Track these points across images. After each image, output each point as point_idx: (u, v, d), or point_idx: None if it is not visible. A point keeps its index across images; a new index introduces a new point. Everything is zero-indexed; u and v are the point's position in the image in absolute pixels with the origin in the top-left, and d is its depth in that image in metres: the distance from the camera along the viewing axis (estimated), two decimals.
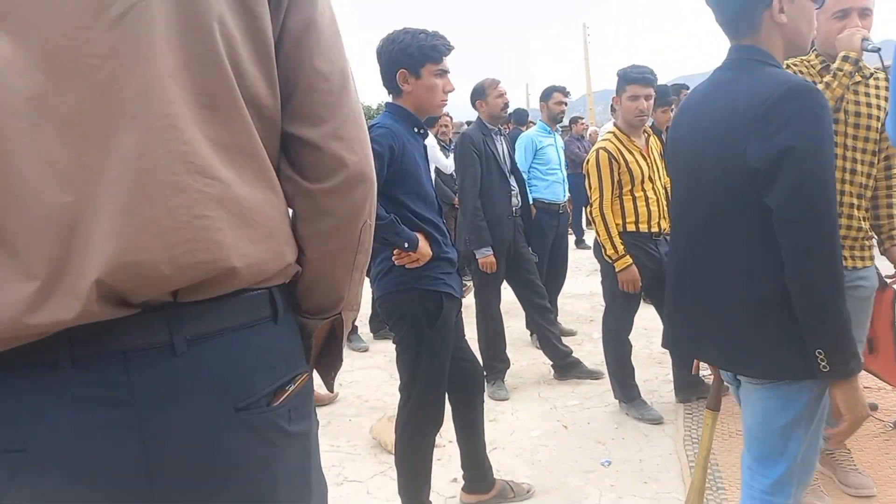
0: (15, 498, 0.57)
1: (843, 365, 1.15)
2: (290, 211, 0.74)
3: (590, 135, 8.48)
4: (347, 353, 4.43)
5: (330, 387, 0.87)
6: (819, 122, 1.15)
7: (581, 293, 5.46)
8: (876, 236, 2.06)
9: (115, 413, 0.59)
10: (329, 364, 0.86)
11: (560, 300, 4.48)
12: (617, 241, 2.82)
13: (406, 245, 1.87)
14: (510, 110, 4.23)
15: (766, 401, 1.29)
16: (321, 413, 3.41)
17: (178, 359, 0.61)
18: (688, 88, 5.87)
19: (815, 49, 1.96)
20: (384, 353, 4.25)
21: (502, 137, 3.53)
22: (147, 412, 0.59)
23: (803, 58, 1.99)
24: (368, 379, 3.88)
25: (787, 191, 1.14)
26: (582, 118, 8.52)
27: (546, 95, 4.17)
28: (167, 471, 0.61)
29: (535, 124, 4.55)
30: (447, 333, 2.00)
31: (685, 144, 1.40)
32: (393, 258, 1.94)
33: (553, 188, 4.11)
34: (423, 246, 1.92)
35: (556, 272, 4.20)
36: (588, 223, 8.07)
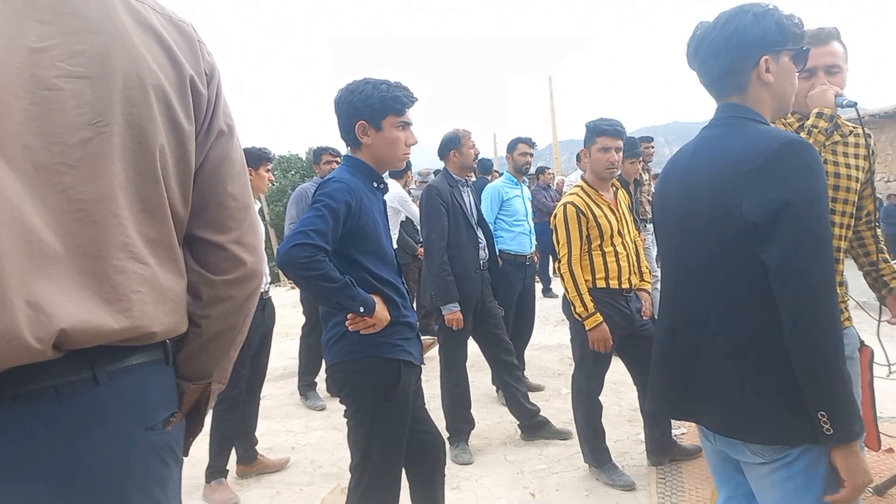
0: None
1: (847, 427, 1.11)
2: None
3: (556, 184, 8.53)
4: (304, 413, 4.18)
5: (185, 451, 0.95)
6: (816, 177, 1.15)
7: (548, 345, 5.33)
8: (871, 282, 2.02)
9: (49, 437, 0.71)
10: (191, 429, 0.97)
11: (527, 353, 4.35)
12: (587, 297, 2.71)
13: (361, 309, 1.72)
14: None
15: (783, 483, 1.20)
16: (271, 481, 3.15)
17: (100, 389, 0.75)
18: (652, 140, 5.96)
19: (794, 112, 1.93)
20: (341, 412, 4.01)
21: (469, 188, 3.44)
22: (77, 434, 0.72)
23: (781, 119, 1.96)
24: (324, 441, 3.63)
25: (786, 247, 1.12)
26: (549, 168, 8.59)
27: (511, 147, 4.14)
28: (92, 489, 0.73)
29: (500, 174, 4.49)
30: (405, 406, 1.84)
31: (675, 201, 1.37)
32: (346, 323, 1.78)
33: (519, 239, 4.03)
34: (381, 310, 1.77)
35: (523, 325, 4.08)
36: (555, 272, 8.04)
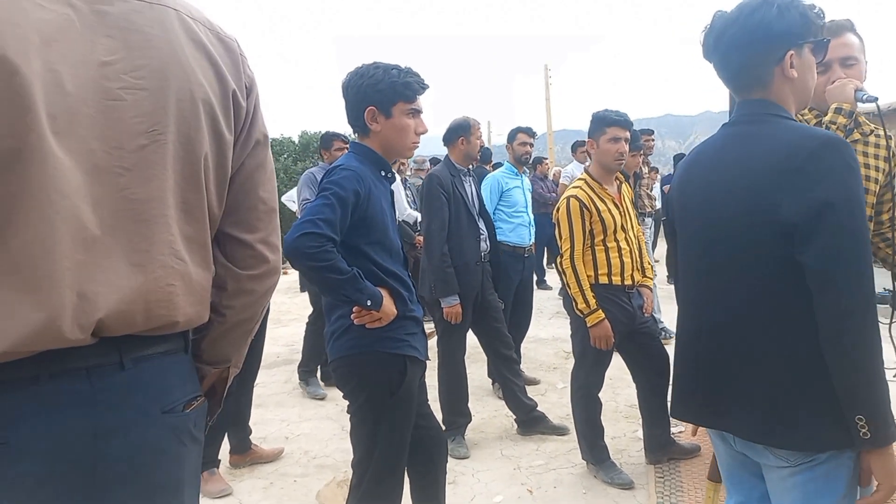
0: None
1: (884, 431, 1.10)
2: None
3: (553, 174, 8.48)
4: (298, 402, 4.13)
5: (205, 431, 1.01)
6: (855, 176, 1.12)
7: (544, 338, 5.31)
8: None
9: (78, 411, 0.79)
10: (210, 409, 1.04)
11: (523, 346, 4.32)
12: (589, 294, 2.67)
13: (368, 303, 1.66)
14: None
15: (804, 485, 1.19)
16: (264, 472, 3.10)
17: (125, 373, 0.83)
18: (652, 133, 5.91)
19: (812, 108, 1.88)
20: (336, 402, 3.97)
21: (471, 178, 3.37)
22: (102, 410, 0.80)
23: (800, 114, 1.91)
24: (317, 432, 3.58)
25: (827, 248, 1.10)
26: (546, 158, 8.53)
27: (511, 137, 4.07)
28: (110, 458, 0.81)
29: (494, 166, 4.40)
30: (410, 402, 1.79)
31: (698, 201, 1.32)
32: (352, 316, 1.72)
33: (519, 231, 3.97)
34: (388, 304, 1.71)
35: (520, 318, 4.05)
36: (550, 262, 8.00)
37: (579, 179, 2.83)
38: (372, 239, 1.75)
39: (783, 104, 1.25)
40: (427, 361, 1.89)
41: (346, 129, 4.20)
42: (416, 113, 1.85)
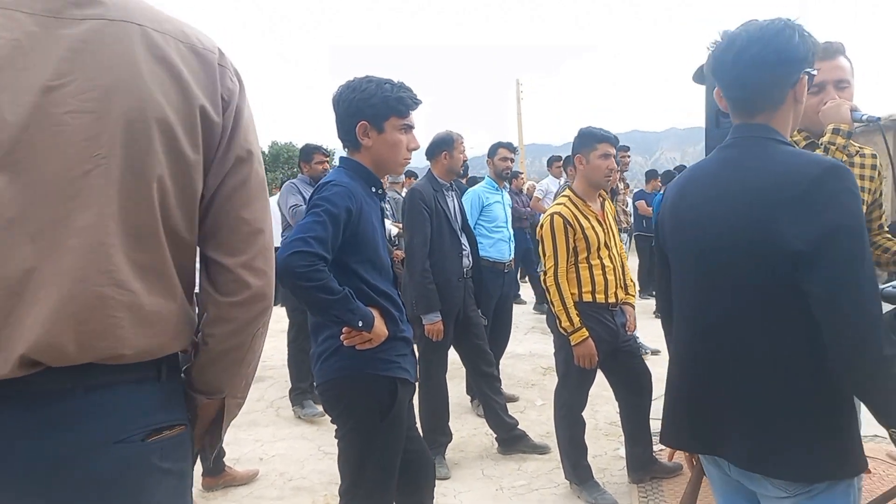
0: None
1: None
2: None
3: (527, 188, 8.52)
4: (272, 420, 4.00)
5: (205, 461, 1.03)
6: (858, 201, 1.13)
7: (521, 353, 5.28)
8: None
9: (22, 438, 0.79)
10: (209, 441, 1.04)
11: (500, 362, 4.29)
12: (573, 312, 2.65)
13: (360, 324, 1.60)
14: None
15: None
16: (238, 495, 2.99)
17: (76, 400, 0.81)
18: (628, 149, 6.00)
19: (801, 130, 1.91)
20: (310, 421, 3.86)
21: (454, 192, 3.34)
22: (48, 437, 0.79)
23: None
24: (293, 452, 3.47)
25: (834, 274, 1.09)
26: (521, 173, 8.58)
27: (492, 152, 4.08)
28: (62, 479, 0.80)
29: (474, 179, 4.39)
30: (400, 426, 1.73)
31: (695, 227, 1.30)
32: (341, 337, 1.66)
33: (499, 246, 3.96)
34: (379, 325, 1.66)
35: (499, 334, 4.01)
36: (523, 277, 8.01)
37: (563, 196, 2.82)
38: (362, 257, 1.70)
39: (782, 129, 1.26)
40: (417, 383, 1.84)
41: (319, 141, 4.18)
42: (409, 128, 1.82)
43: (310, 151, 4.12)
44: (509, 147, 4.13)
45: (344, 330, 1.65)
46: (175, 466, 0.90)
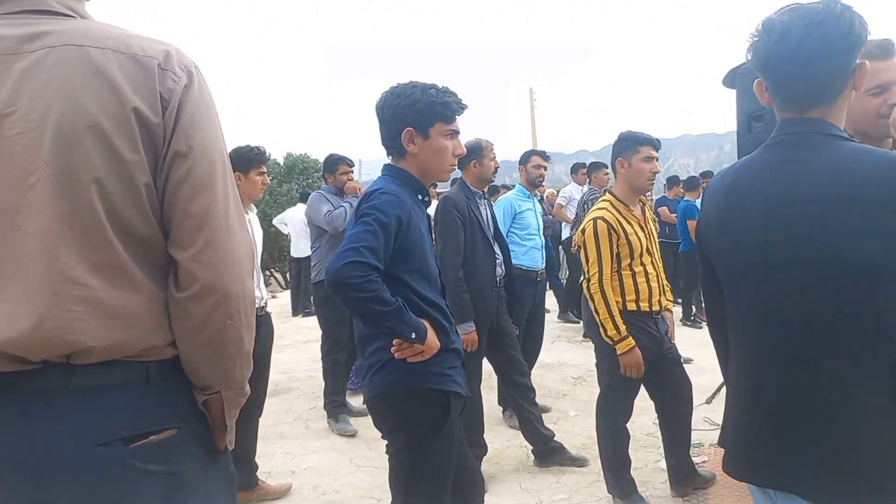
0: None
1: None
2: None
3: (547, 196, 8.45)
4: (301, 433, 3.96)
5: (220, 443, 1.05)
6: None
7: (549, 363, 5.19)
8: None
9: (14, 432, 0.86)
10: (219, 437, 1.06)
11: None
12: (619, 320, 2.58)
13: (413, 335, 1.55)
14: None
15: None
16: None
17: (60, 401, 0.87)
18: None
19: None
20: (341, 433, 3.81)
21: (486, 201, 3.29)
22: (37, 434, 0.86)
23: None
24: (325, 465, 3.42)
25: None
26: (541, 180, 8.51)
27: (525, 159, 4.02)
28: (44, 477, 0.86)
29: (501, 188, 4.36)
30: (453, 441, 1.67)
31: (749, 233, 1.17)
32: (392, 349, 1.61)
33: (531, 254, 3.90)
34: (432, 336, 1.60)
35: (531, 344, 3.94)
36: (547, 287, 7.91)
37: (604, 200, 2.75)
38: (411, 267, 1.65)
39: (838, 122, 1.13)
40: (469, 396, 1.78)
41: (334, 153, 4.16)
42: (454, 134, 1.77)
43: (334, 162, 4.10)
44: (542, 155, 4.08)
45: (395, 342, 1.60)
46: (162, 468, 0.92)
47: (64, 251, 0.87)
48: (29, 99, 0.88)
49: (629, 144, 2.65)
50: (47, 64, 0.90)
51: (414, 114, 1.70)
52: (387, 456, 1.71)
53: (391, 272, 1.61)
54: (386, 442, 1.69)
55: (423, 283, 1.68)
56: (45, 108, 0.88)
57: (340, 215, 3.79)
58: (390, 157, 1.81)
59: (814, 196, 1.07)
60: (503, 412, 3.99)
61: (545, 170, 4.03)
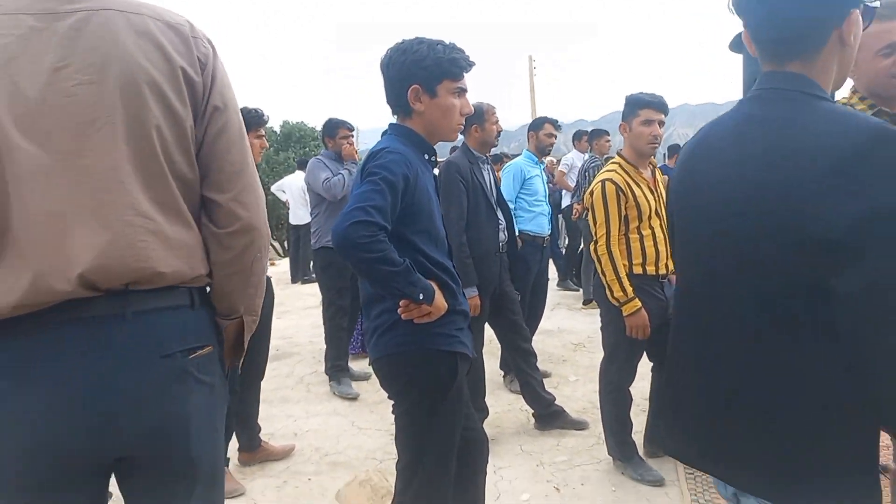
0: (14, 401, 0.93)
1: None
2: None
3: (547, 164, 8.38)
4: (303, 396, 3.99)
5: (231, 364, 1.21)
6: None
7: (550, 329, 5.21)
8: None
9: (85, 354, 0.95)
10: (234, 352, 1.23)
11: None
12: (626, 282, 2.56)
13: (421, 296, 1.53)
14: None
15: None
16: (275, 470, 2.97)
17: (126, 323, 0.98)
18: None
19: (856, 91, 1.78)
20: (343, 398, 3.84)
21: (489, 166, 3.25)
22: (108, 354, 0.96)
23: (842, 98, 1.80)
24: (327, 428, 3.45)
25: (879, 271, 0.86)
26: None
27: (537, 125, 3.99)
28: (113, 394, 0.96)
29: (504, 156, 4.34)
30: (460, 403, 1.67)
31: (707, 197, 1.07)
32: (399, 311, 1.59)
33: (538, 220, 3.92)
34: (440, 298, 1.59)
35: (535, 309, 3.96)
36: None
37: (613, 163, 2.72)
38: (419, 227, 1.63)
39: (822, 80, 1.02)
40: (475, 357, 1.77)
41: (333, 117, 4.07)
42: (462, 92, 1.72)
43: (334, 126, 4.03)
44: (555, 123, 4.07)
45: (401, 303, 1.58)
46: (208, 378, 1.07)
47: (133, 188, 0.98)
48: (82, 55, 0.97)
49: (631, 108, 2.61)
50: (94, 25, 0.99)
51: (421, 71, 1.65)
52: (390, 418, 1.72)
53: (398, 233, 1.58)
54: (391, 403, 1.69)
55: (431, 244, 1.65)
56: (102, 64, 0.98)
57: (338, 183, 3.74)
58: (395, 117, 1.77)
59: (776, 160, 0.96)
60: (503, 377, 4.02)
61: (556, 138, 4.01)
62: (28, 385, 0.92)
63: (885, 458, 2.62)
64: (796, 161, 0.94)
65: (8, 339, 0.93)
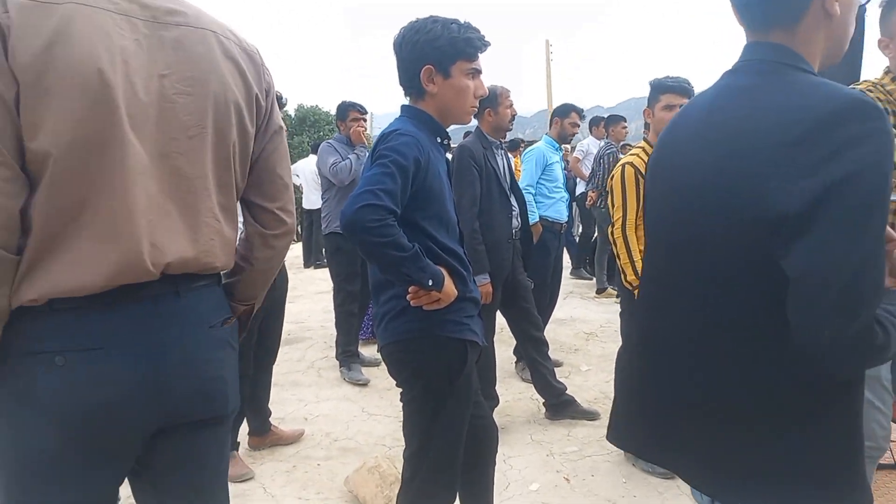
0: (87, 380, 1.01)
1: None
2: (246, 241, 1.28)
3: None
4: (314, 381, 3.99)
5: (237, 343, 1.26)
6: (884, 155, 0.81)
7: (562, 318, 5.16)
8: None
9: (149, 326, 1.05)
10: (241, 329, 1.32)
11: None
12: (640, 265, 2.52)
13: (430, 283, 1.50)
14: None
15: None
16: (285, 454, 2.98)
17: (180, 299, 1.09)
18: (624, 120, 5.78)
19: (889, 72, 1.71)
20: (354, 383, 3.83)
21: (503, 151, 3.19)
22: (167, 326, 1.07)
23: (875, 80, 1.73)
24: (338, 413, 3.45)
25: (824, 244, 0.80)
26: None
27: (564, 112, 3.97)
28: (172, 361, 1.07)
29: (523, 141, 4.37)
30: (469, 391, 1.64)
31: (676, 172, 1.03)
32: (408, 297, 1.56)
33: (557, 206, 3.92)
34: (449, 284, 1.55)
35: (549, 297, 3.94)
36: None
37: (637, 147, 2.72)
38: (430, 212, 1.59)
39: (806, 51, 0.95)
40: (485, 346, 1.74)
41: (346, 100, 4.04)
42: (477, 73, 1.67)
43: (345, 108, 3.99)
44: (580, 113, 4.06)
45: (411, 289, 1.55)
46: (235, 343, 1.21)
47: (213, 194, 1.11)
48: (183, 67, 1.06)
49: (654, 93, 2.57)
50: (195, 41, 1.08)
51: (434, 50, 1.60)
52: (399, 405, 1.70)
53: (408, 218, 1.55)
54: (400, 391, 1.67)
55: (442, 230, 1.62)
56: (202, 79, 1.07)
57: (345, 168, 3.70)
58: (408, 98, 1.72)
59: (748, 128, 0.91)
60: (515, 364, 4.00)
61: (579, 128, 3.99)
62: (112, 352, 1.01)
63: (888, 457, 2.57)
64: (759, 129, 0.89)
65: (95, 312, 1.01)
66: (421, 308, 1.56)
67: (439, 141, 1.68)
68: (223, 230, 1.13)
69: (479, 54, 1.67)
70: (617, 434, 1.16)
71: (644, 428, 1.08)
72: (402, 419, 1.69)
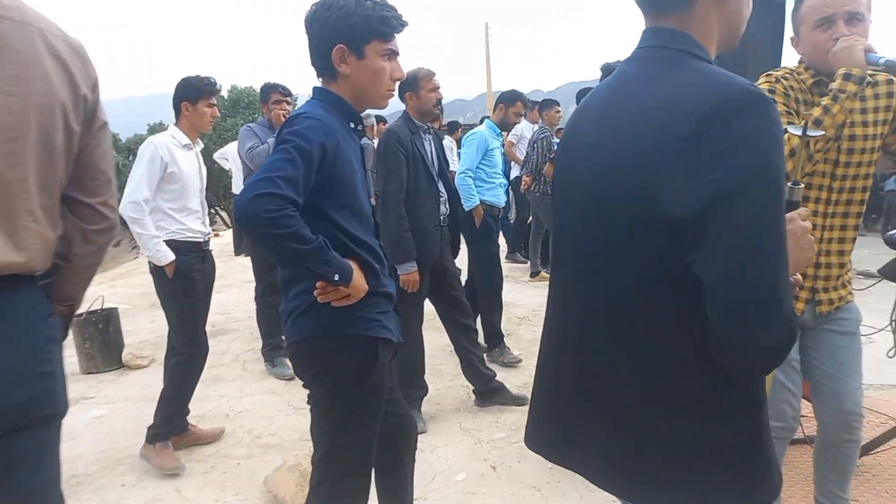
0: None
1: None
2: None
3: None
4: (238, 375, 3.83)
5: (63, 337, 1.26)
6: (776, 148, 0.80)
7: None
8: None
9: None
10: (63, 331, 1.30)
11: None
12: None
13: (336, 277, 1.41)
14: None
15: None
16: (203, 454, 2.84)
17: (7, 294, 1.08)
18: (557, 104, 5.86)
19: (801, 61, 1.74)
20: (280, 376, 3.70)
21: (431, 136, 3.11)
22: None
23: (791, 68, 1.76)
24: (261, 408, 3.32)
25: (730, 255, 0.79)
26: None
27: (510, 100, 4.00)
28: (30, 334, 1.11)
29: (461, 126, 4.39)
30: (381, 391, 1.57)
31: (580, 166, 0.99)
32: (315, 293, 1.47)
33: (496, 191, 3.96)
34: (358, 278, 1.46)
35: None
36: None
37: None
38: (339, 202, 1.49)
39: (701, 37, 0.93)
40: (401, 342, 1.67)
41: (268, 81, 3.86)
42: (393, 55, 1.57)
43: (267, 90, 3.77)
44: (526, 102, 4.08)
45: (318, 285, 1.45)
46: (61, 339, 1.21)
47: (33, 197, 1.09)
48: (6, 66, 1.03)
49: (605, 77, 2.54)
50: (20, 38, 1.05)
51: (347, 28, 1.49)
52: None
53: (315, 206, 1.45)
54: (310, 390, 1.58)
55: (353, 220, 1.53)
56: (27, 79, 1.05)
57: (262, 152, 3.52)
58: (320, 80, 1.61)
59: (641, 121, 0.88)
60: (485, 353, 3.89)
61: (521, 119, 4.01)
62: None
63: (807, 429, 2.69)
64: (652, 123, 0.86)
65: None
66: (329, 304, 1.47)
67: (352, 126, 1.58)
68: (44, 232, 1.12)
69: (396, 34, 1.57)
70: (529, 435, 1.12)
71: (549, 429, 1.05)
72: None
